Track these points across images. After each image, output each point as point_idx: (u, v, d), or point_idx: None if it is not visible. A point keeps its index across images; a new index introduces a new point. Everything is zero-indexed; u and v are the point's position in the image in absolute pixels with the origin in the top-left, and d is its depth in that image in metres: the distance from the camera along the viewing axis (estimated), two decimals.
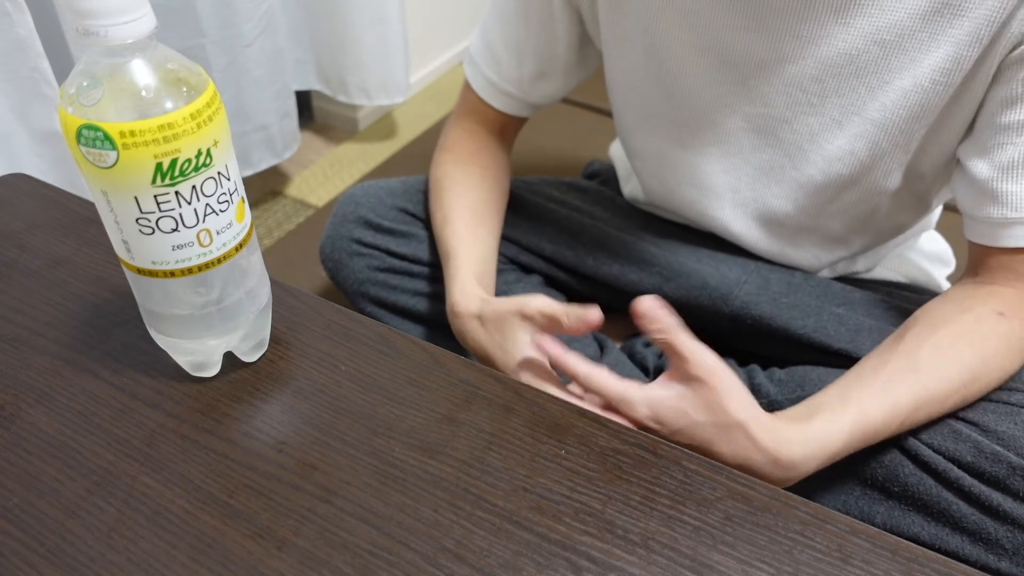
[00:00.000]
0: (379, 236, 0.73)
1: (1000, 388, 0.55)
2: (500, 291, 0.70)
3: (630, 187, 0.83)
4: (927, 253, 0.78)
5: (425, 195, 0.77)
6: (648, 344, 0.75)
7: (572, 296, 0.77)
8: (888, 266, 0.76)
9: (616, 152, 0.90)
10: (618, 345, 0.76)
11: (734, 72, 0.60)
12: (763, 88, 0.60)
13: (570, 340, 0.71)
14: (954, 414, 0.54)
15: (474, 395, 0.46)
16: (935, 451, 0.53)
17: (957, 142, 0.58)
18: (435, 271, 0.72)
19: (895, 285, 0.74)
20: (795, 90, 0.59)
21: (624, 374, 0.69)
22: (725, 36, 0.59)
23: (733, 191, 0.67)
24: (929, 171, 0.61)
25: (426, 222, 0.75)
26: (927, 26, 0.52)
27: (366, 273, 0.73)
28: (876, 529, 0.39)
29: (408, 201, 0.76)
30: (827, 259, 0.71)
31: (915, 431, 0.54)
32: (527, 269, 0.76)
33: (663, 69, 0.64)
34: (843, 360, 0.63)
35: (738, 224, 0.69)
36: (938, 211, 0.78)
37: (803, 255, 0.70)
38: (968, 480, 0.52)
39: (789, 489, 0.59)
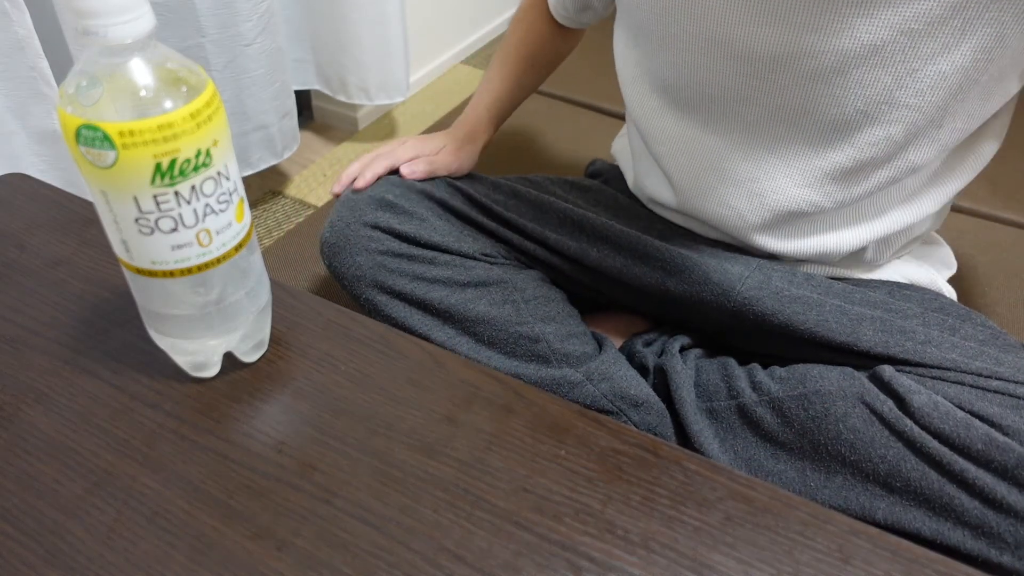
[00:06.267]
0: (381, 213, 0.71)
1: (1008, 380, 0.55)
2: (501, 281, 0.70)
3: (639, 178, 0.82)
4: (928, 255, 0.78)
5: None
6: (648, 344, 0.75)
7: (574, 289, 0.77)
8: (890, 267, 0.76)
9: (620, 147, 0.90)
10: (617, 344, 0.76)
11: (746, 66, 0.60)
12: (781, 81, 0.59)
13: (569, 335, 0.70)
14: (961, 407, 0.55)
15: (474, 395, 0.46)
16: (943, 441, 0.54)
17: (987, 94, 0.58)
18: (435, 254, 0.71)
19: (897, 285, 0.74)
20: (817, 83, 0.58)
21: (622, 372, 0.69)
22: (735, 31, 0.58)
23: (752, 180, 0.66)
24: (952, 134, 0.62)
25: (432, 198, 0.74)
26: (960, 13, 0.51)
27: (364, 256, 0.72)
28: (877, 529, 0.39)
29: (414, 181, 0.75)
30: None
31: (926, 422, 0.54)
32: (530, 262, 0.76)
33: (674, 60, 0.64)
34: (844, 356, 0.63)
35: (753, 216, 0.68)
36: (945, 213, 0.78)
37: (817, 239, 0.69)
38: (973, 472, 0.52)
39: (789, 488, 0.59)
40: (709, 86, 0.63)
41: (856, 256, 0.73)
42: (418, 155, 0.76)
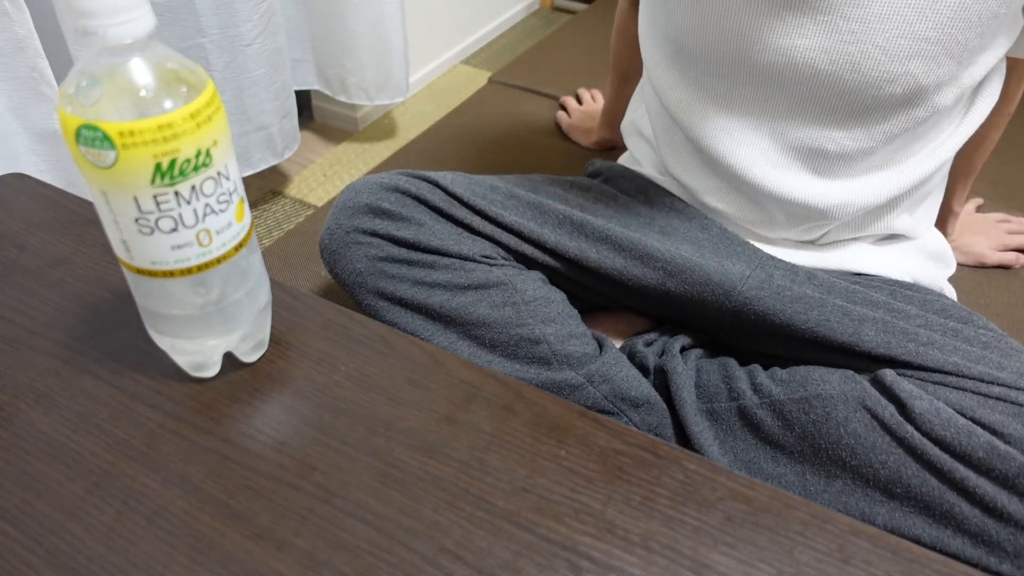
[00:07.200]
0: (378, 221, 0.71)
1: (1010, 387, 0.55)
2: (501, 283, 0.70)
3: (660, 145, 0.82)
4: (930, 252, 0.78)
5: (428, 181, 0.76)
6: (649, 344, 0.75)
7: (574, 290, 0.77)
8: (892, 263, 0.76)
9: (636, 116, 0.90)
10: (618, 344, 0.76)
11: (760, 6, 0.60)
12: (796, 20, 0.59)
13: (569, 336, 0.71)
14: (963, 413, 0.55)
15: (474, 395, 0.46)
16: (944, 448, 0.53)
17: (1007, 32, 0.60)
18: (435, 258, 0.71)
19: (899, 284, 0.74)
20: (835, 18, 0.58)
21: (623, 373, 0.69)
22: None
23: (773, 119, 0.66)
24: (970, 75, 0.62)
25: (428, 204, 0.74)
26: None
27: (364, 263, 0.72)
28: (877, 529, 0.39)
29: (411, 185, 0.74)
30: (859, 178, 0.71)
31: (927, 429, 0.54)
32: (529, 264, 0.76)
33: (686, 12, 0.65)
34: (845, 357, 0.63)
35: (776, 153, 0.68)
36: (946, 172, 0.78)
37: (840, 184, 0.69)
38: (974, 480, 0.52)
39: (789, 490, 0.59)
40: (722, 35, 0.63)
41: (870, 218, 0.72)
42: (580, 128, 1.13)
